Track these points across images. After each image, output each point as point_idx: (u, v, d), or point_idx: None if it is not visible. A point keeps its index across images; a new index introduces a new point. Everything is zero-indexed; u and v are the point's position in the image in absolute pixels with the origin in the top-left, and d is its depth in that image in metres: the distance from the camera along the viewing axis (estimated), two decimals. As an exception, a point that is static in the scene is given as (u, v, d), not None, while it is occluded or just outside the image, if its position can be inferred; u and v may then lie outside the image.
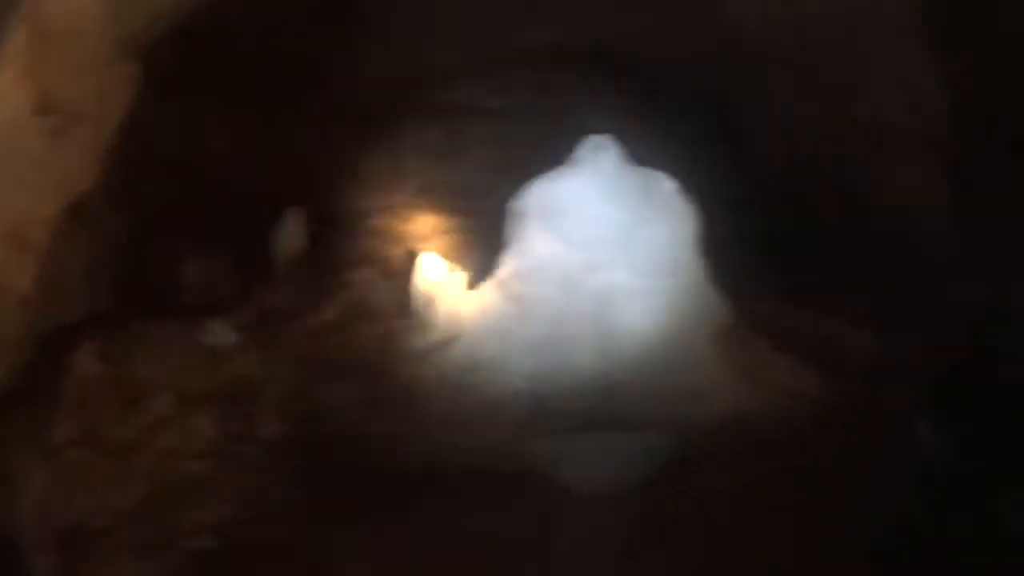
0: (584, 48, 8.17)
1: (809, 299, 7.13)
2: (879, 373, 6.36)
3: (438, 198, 8.08)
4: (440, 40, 7.90)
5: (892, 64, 6.43)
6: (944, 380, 6.14)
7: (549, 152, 7.21)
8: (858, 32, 6.51)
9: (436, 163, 8.01)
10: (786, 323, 6.96)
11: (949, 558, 4.78)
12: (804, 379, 6.39)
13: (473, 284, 7.12)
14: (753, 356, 6.62)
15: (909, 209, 6.70)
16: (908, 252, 6.75)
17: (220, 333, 6.00)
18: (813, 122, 7.37)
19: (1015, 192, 5.72)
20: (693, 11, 7.28)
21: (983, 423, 5.46)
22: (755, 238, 7.49)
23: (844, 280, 7.12)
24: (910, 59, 6.27)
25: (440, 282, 7.07)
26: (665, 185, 7.03)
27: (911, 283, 6.69)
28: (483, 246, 7.31)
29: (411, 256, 7.42)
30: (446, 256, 7.51)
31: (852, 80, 6.88)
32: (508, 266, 7.03)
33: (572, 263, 6.93)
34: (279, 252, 7.29)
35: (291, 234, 7.39)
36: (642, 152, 7.13)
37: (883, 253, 6.95)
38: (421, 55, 8.06)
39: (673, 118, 7.87)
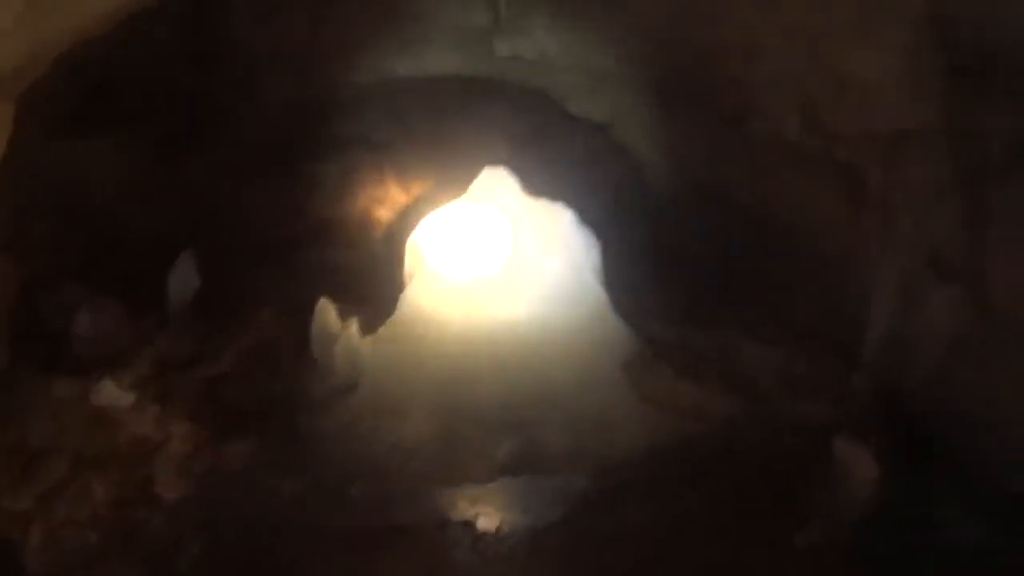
0: (481, 78, 8.22)
1: (713, 321, 7.19)
2: (791, 391, 6.50)
3: (334, 235, 8.01)
4: (334, 71, 7.86)
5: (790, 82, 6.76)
6: (856, 396, 6.40)
7: (446, 185, 7.25)
8: (755, 54, 6.71)
9: (332, 198, 7.93)
10: (692, 347, 7.02)
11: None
12: (713, 402, 6.49)
13: (373, 325, 7.05)
14: (661, 383, 6.73)
15: (812, 229, 6.95)
16: (811, 271, 6.95)
17: (115, 392, 5.86)
18: (710, 143, 7.60)
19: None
20: (589, 36, 7.38)
21: (897, 439, 5.70)
22: (656, 263, 7.58)
23: (748, 301, 7.27)
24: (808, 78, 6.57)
25: (339, 324, 6.99)
26: (563, 215, 7.16)
27: (816, 301, 6.90)
28: (382, 283, 7.29)
29: (309, 297, 7.35)
30: (345, 296, 7.27)
31: (750, 100, 7.11)
32: (407, 304, 7.09)
33: (472, 299, 7.04)
34: (173, 297, 7.15)
35: (185, 277, 7.24)
36: (539, 183, 7.25)
37: (786, 273, 7.19)
38: (315, 86, 7.97)
39: (569, 147, 7.96)
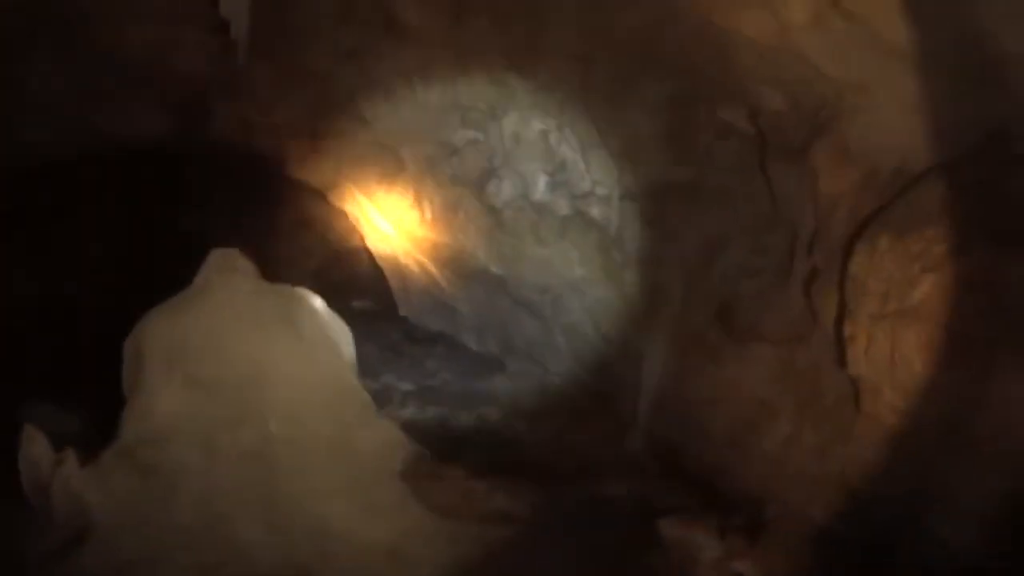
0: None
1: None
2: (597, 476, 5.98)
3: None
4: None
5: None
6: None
7: (169, 273, 5.88)
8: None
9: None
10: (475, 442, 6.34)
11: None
12: (512, 499, 5.62)
13: (93, 455, 5.29)
14: (450, 489, 5.69)
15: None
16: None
17: None
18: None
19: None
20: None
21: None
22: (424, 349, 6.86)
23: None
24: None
25: (53, 458, 5.16)
26: (309, 303, 6.06)
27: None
28: (99, 401, 5.61)
29: (12, 424, 5.38)
30: (57, 422, 5.68)
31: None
32: (133, 427, 5.46)
33: (214, 415, 5.59)
34: None
35: None
36: (278, 266, 6.14)
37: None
38: None
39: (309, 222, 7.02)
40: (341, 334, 6.02)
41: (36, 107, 6.69)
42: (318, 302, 5.95)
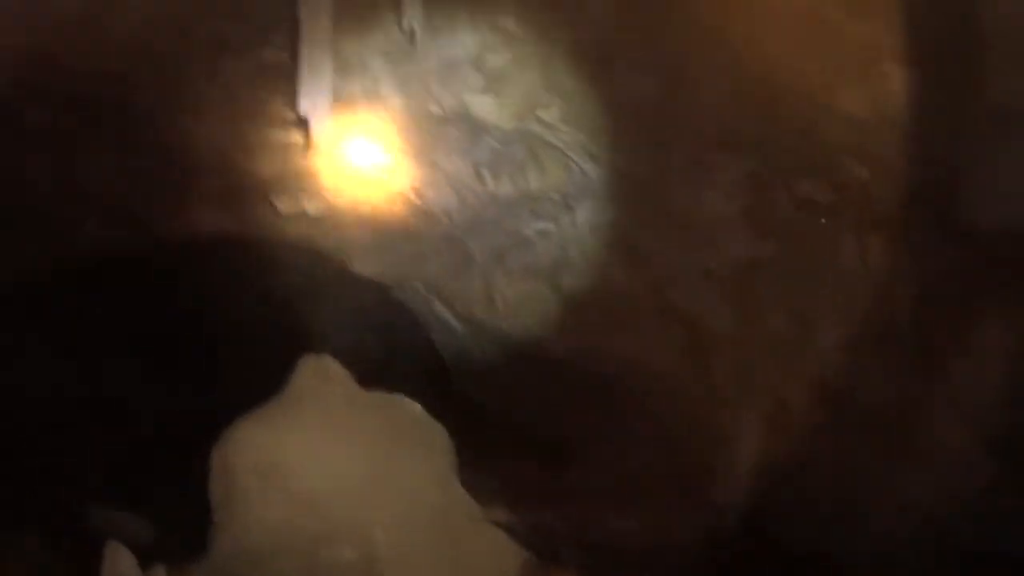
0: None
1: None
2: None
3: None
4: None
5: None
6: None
7: (257, 379, 5.66)
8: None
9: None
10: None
11: None
12: None
13: (183, 572, 5.03)
14: None
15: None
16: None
17: None
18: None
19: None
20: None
21: None
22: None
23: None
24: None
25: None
26: (408, 410, 5.85)
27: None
28: (188, 515, 5.32)
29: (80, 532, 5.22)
30: (130, 531, 5.47)
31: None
32: (227, 542, 5.17)
33: (314, 529, 5.31)
34: None
35: None
36: (374, 370, 5.95)
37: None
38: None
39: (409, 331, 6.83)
40: (441, 439, 5.79)
41: (98, 202, 6.58)
42: (417, 408, 5.76)
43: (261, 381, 5.69)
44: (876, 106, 5.33)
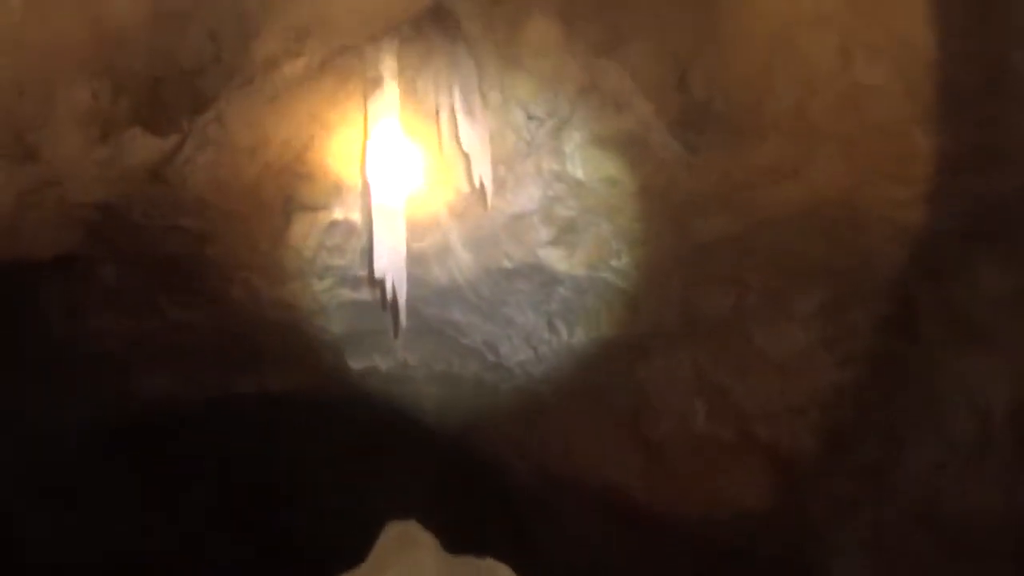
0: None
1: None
2: None
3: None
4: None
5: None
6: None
7: (339, 547, 5.39)
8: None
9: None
10: None
11: None
12: None
13: None
14: None
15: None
16: None
17: None
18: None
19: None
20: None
21: None
22: None
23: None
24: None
25: None
26: (501, 574, 5.59)
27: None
28: None
29: None
30: None
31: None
32: None
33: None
34: None
35: None
36: (460, 535, 5.71)
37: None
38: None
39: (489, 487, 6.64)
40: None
41: (166, 358, 6.52)
42: (507, 573, 5.49)
43: (340, 546, 5.48)
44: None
